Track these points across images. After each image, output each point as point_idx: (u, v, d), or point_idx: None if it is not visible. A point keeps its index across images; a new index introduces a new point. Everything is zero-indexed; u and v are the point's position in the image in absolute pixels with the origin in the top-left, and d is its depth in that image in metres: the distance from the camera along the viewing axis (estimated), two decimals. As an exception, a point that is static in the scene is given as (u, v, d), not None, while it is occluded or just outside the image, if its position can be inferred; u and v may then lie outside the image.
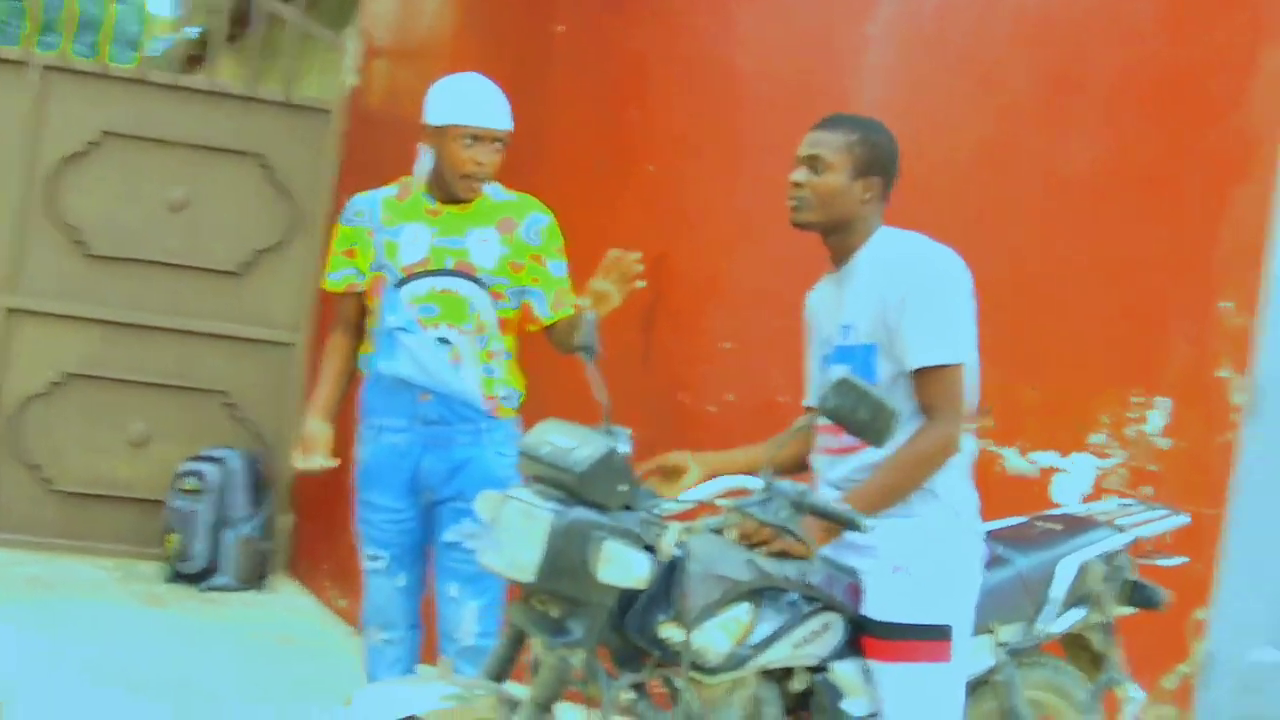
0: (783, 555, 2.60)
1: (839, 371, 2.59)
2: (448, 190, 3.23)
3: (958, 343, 2.67)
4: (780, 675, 2.73)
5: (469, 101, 3.19)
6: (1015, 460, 4.39)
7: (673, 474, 2.91)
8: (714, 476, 2.90)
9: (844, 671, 2.75)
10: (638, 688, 2.59)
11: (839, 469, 2.79)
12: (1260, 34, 4.62)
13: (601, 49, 4.48)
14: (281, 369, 5.88)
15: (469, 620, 3.27)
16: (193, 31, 10.21)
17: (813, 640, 2.70)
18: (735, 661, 2.58)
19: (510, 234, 3.25)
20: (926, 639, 2.71)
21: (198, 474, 5.53)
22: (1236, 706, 4.80)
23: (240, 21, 6.69)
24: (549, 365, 3.44)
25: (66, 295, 5.73)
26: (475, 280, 3.21)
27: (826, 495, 2.72)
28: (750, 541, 2.59)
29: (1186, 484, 4.65)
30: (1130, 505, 3.52)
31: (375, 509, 3.33)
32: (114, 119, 5.74)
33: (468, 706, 2.50)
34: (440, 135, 3.20)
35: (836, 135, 2.77)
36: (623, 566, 2.40)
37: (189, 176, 5.79)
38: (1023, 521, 3.30)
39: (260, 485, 5.67)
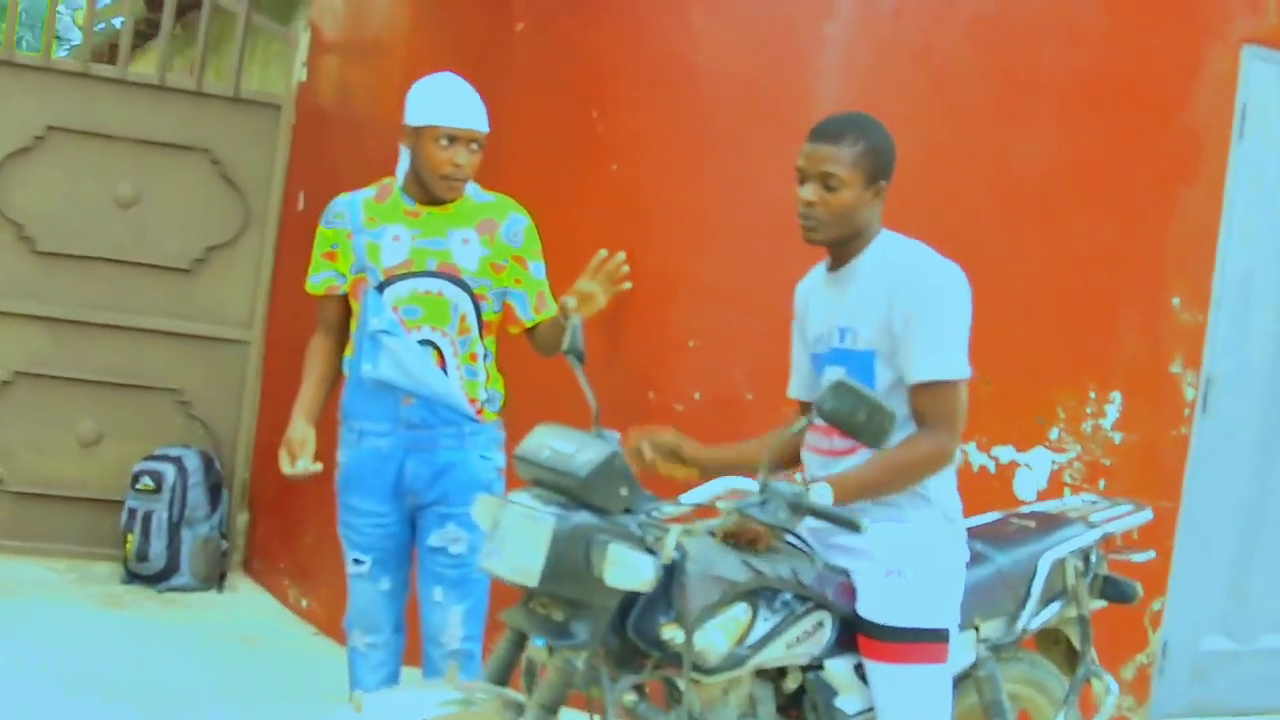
0: (753, 543, 2.62)
1: (835, 374, 2.62)
2: (427, 191, 3.23)
3: (960, 359, 2.69)
4: (774, 674, 2.77)
5: (445, 102, 3.18)
6: (975, 455, 4.46)
7: (669, 454, 2.94)
8: (709, 468, 2.91)
9: (837, 669, 2.80)
10: (638, 689, 2.61)
11: (830, 471, 2.81)
12: (1206, 35, 4.73)
13: (561, 47, 4.48)
14: (235, 367, 5.82)
15: (454, 624, 3.27)
16: (115, 21, 10.04)
17: (806, 639, 2.74)
18: (733, 661, 2.62)
19: (491, 235, 3.25)
20: (923, 641, 2.76)
21: (154, 474, 5.47)
22: (1190, 694, 4.93)
23: (157, 11, 6.58)
24: (527, 367, 3.45)
25: (13, 293, 5.63)
26: (459, 282, 3.21)
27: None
28: (737, 540, 2.62)
29: (1140, 478, 4.75)
30: (1098, 501, 3.59)
31: (357, 513, 3.32)
32: (59, 114, 5.65)
33: (472, 711, 2.51)
34: (418, 136, 3.20)
35: (845, 148, 2.72)
36: (628, 569, 2.42)
37: (137, 172, 5.72)
38: (998, 518, 3.37)
39: (217, 484, 5.62)
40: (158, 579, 5.45)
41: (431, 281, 3.21)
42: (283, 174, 5.79)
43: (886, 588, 2.75)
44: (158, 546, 5.43)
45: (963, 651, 2.97)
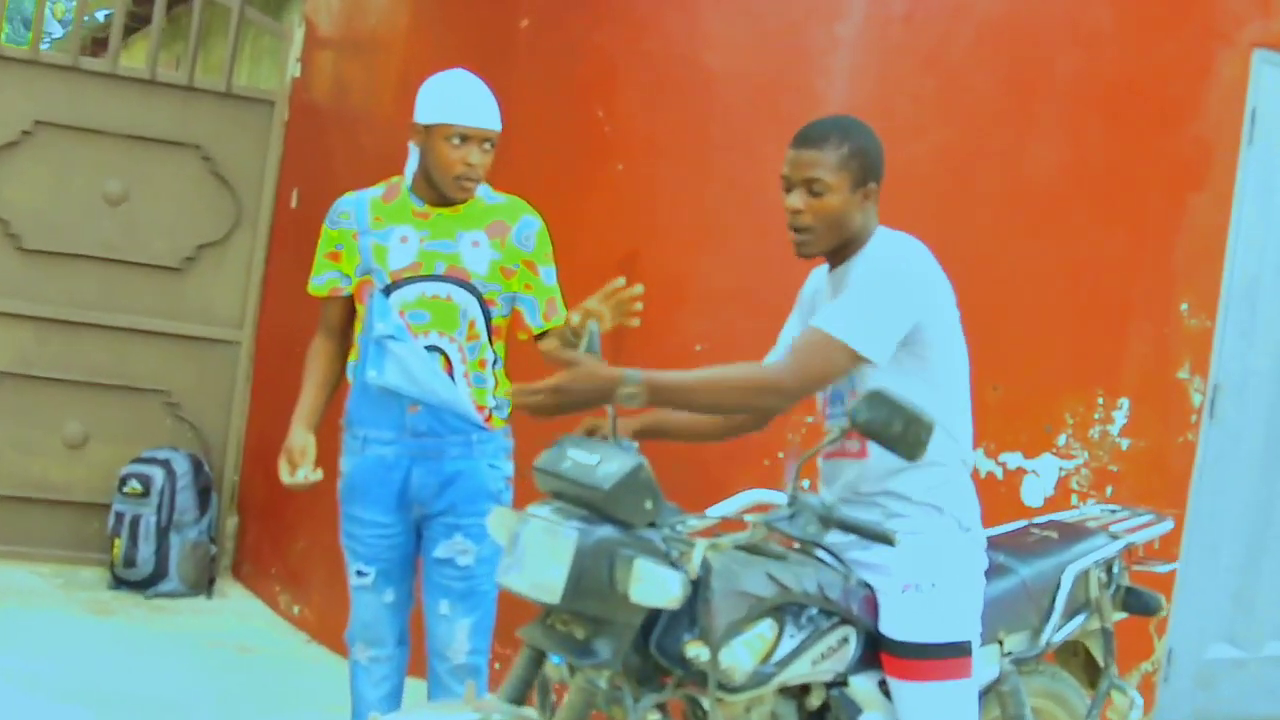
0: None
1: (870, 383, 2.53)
2: (437, 191, 3.13)
3: (855, 326, 2.52)
4: (797, 691, 2.69)
5: (458, 100, 3.09)
6: (983, 461, 4.40)
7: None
8: (648, 431, 2.85)
9: (861, 686, 2.73)
10: (660, 708, 2.53)
11: (841, 476, 2.75)
12: (1216, 40, 4.68)
13: (567, 45, 4.39)
14: (225, 367, 5.72)
15: (461, 638, 3.19)
16: (98, 15, 9.91)
17: (831, 655, 2.66)
18: (759, 679, 2.54)
19: (502, 238, 3.16)
20: (946, 657, 2.69)
21: (142, 477, 5.36)
22: (1195, 702, 4.88)
23: (142, 4, 6.46)
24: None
25: (-1, 291, 5.53)
26: (468, 286, 3.12)
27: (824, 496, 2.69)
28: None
29: (1148, 485, 4.70)
30: (1117, 511, 3.53)
31: (361, 523, 3.23)
32: (47, 108, 5.53)
33: (490, 731, 2.43)
34: (428, 134, 3.10)
35: (829, 151, 2.65)
36: (655, 585, 2.34)
37: (126, 168, 5.61)
38: (1018, 528, 3.30)
39: (206, 487, 5.51)
40: (146, 584, 5.35)
41: (440, 285, 3.11)
42: (275, 171, 5.68)
43: (904, 603, 2.68)
44: (146, 551, 5.33)
45: (987, 666, 2.91)
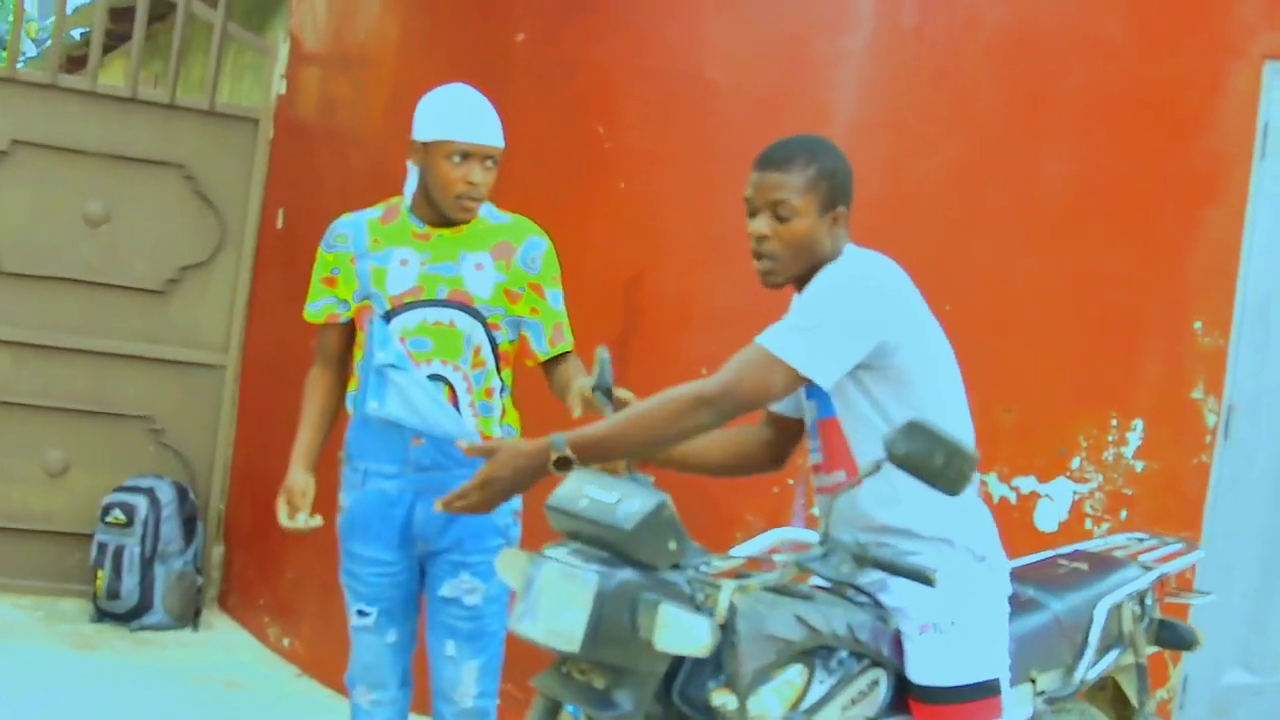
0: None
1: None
2: (438, 212, 2.99)
3: (791, 341, 2.39)
4: (826, 738, 2.55)
5: (459, 116, 2.95)
6: (996, 486, 4.28)
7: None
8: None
9: (892, 732, 2.59)
10: (684, 759, 2.39)
11: (834, 509, 2.58)
12: (1227, 52, 4.57)
13: (566, 59, 4.26)
14: (210, 392, 5.56)
15: (468, 680, 3.03)
16: (73, 34, 9.73)
17: (861, 700, 2.53)
18: (787, 728, 2.40)
19: (507, 260, 3.02)
20: (975, 699, 2.56)
21: (125, 506, 5.20)
22: (1211, 730, 4.77)
23: (119, 22, 6.30)
24: (545, 399, 3.21)
25: (-25, 315, 5.36)
26: (471, 311, 2.97)
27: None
28: None
29: (1162, 507, 4.59)
30: (1144, 539, 3.42)
31: (362, 561, 3.07)
32: (25, 127, 5.38)
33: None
34: (428, 152, 2.95)
35: (795, 174, 2.50)
36: (682, 632, 2.20)
37: (107, 188, 5.45)
38: (1045, 559, 3.18)
39: (191, 516, 5.35)
40: (130, 617, 5.18)
41: (442, 311, 2.97)
42: (260, 191, 5.53)
43: (925, 645, 2.55)
44: (130, 583, 5.16)
45: (1019, 706, 2.78)
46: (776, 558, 2.38)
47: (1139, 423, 4.54)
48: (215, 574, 5.59)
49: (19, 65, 5.82)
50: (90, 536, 5.28)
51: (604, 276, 4.12)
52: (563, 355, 3.09)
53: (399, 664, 3.13)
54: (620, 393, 2.73)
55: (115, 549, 5.17)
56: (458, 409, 2.97)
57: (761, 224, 2.54)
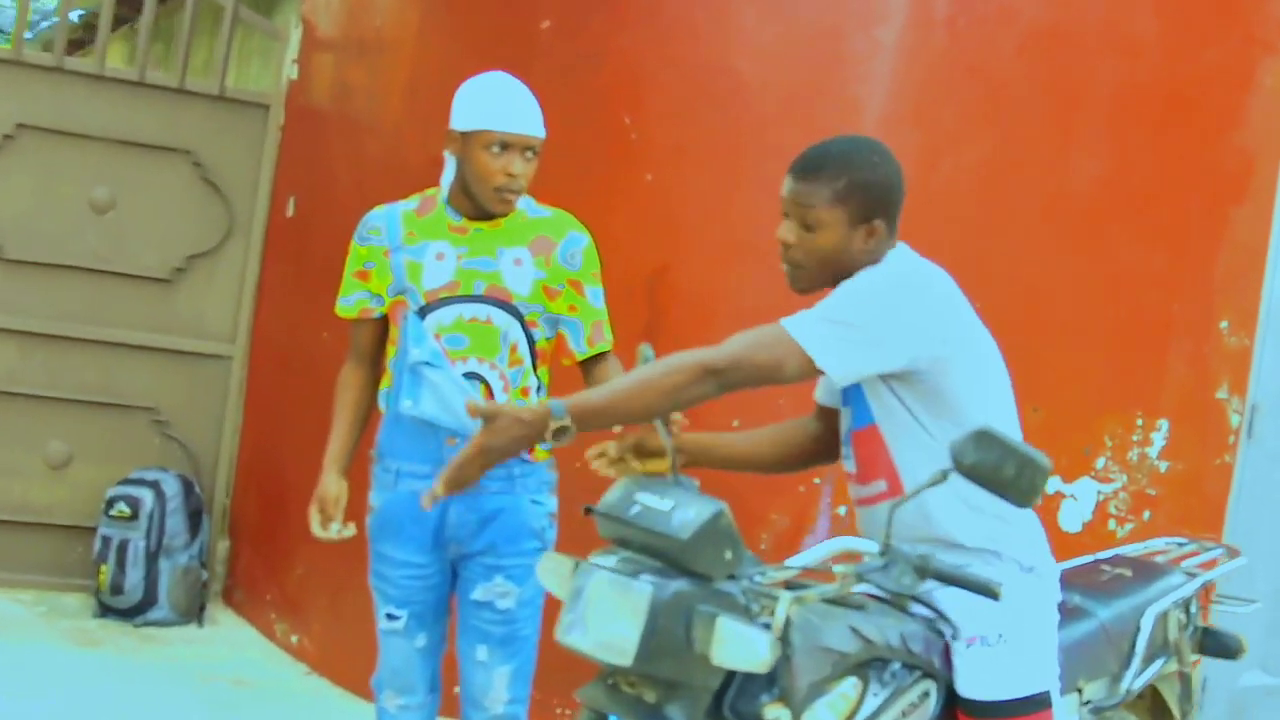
0: None
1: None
2: (475, 204, 2.90)
3: (809, 323, 2.30)
4: (876, 751, 2.48)
5: (499, 105, 2.86)
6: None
7: (648, 455, 2.61)
8: (697, 458, 2.65)
9: (942, 745, 2.53)
10: (735, 775, 2.31)
11: (876, 519, 2.50)
12: (1259, 49, 4.52)
13: (592, 48, 4.18)
14: (217, 383, 5.46)
15: (499, 686, 2.95)
16: (74, 15, 9.60)
17: (912, 713, 2.46)
18: (841, 743, 2.33)
19: (547, 256, 2.94)
20: (1026, 713, 2.50)
21: (130, 499, 5.10)
22: (1231, 731, 4.73)
23: (130, 3, 6.19)
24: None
25: (-21, 304, 5.26)
26: (509, 308, 2.89)
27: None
28: None
29: (1185, 508, 4.54)
30: (1185, 544, 3.37)
31: (393, 563, 2.99)
32: (30, 111, 5.27)
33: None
34: (466, 142, 2.86)
35: (822, 185, 2.40)
36: (741, 647, 2.12)
37: (113, 175, 5.35)
38: (1087, 563, 3.12)
39: (197, 510, 5.26)
40: (134, 613, 5.09)
41: (479, 307, 2.88)
42: (270, 178, 5.44)
43: (973, 659, 2.48)
44: (134, 577, 5.07)
45: (1066, 717, 2.71)
46: (836, 568, 2.31)
47: (1164, 423, 4.49)
48: (220, 569, 5.50)
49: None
50: (94, 530, 5.18)
51: (628, 271, 4.03)
52: (601, 355, 3.01)
53: (428, 668, 3.05)
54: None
55: (119, 543, 5.08)
56: (493, 408, 2.89)
57: (788, 231, 2.45)
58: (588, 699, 2.31)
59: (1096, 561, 3.14)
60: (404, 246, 2.93)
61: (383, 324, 3.02)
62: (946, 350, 2.38)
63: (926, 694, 2.49)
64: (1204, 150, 4.47)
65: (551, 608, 2.66)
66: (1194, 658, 3.10)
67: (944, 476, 2.23)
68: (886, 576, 2.25)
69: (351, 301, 3.01)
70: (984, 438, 2.17)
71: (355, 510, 3.01)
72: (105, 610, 5.11)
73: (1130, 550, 3.27)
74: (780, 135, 4.04)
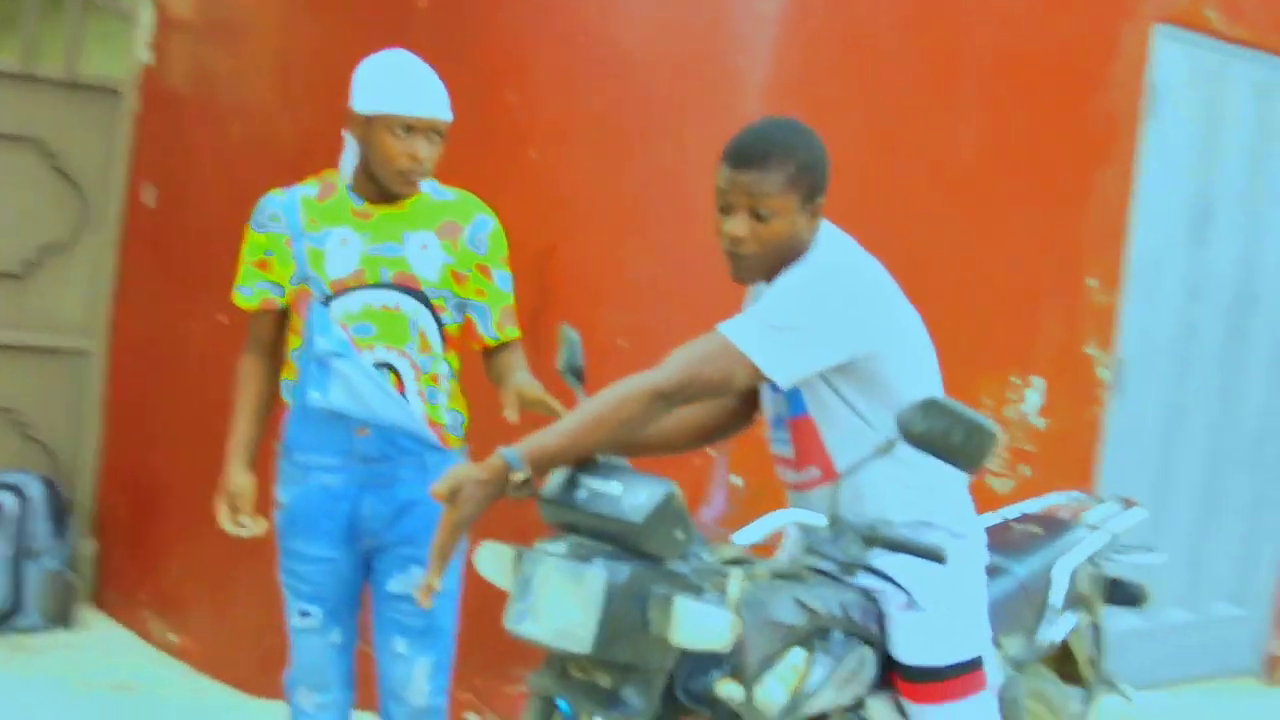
0: None
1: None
2: (379, 187, 2.82)
3: (770, 345, 2.30)
4: (815, 718, 2.50)
5: (404, 86, 2.78)
6: (909, 449, 4.29)
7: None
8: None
9: (878, 708, 2.57)
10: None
11: (811, 504, 2.53)
12: (1119, 14, 4.66)
13: (472, 26, 4.09)
14: (76, 380, 5.22)
15: (420, 679, 2.90)
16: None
17: (852, 679, 2.49)
18: (789, 713, 2.34)
19: (454, 240, 2.87)
20: (960, 675, 2.55)
21: (-9, 504, 4.87)
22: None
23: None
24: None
25: None
26: (417, 294, 2.82)
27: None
28: None
29: (1058, 463, 4.70)
30: (1083, 499, 3.47)
31: (304, 559, 2.90)
32: None
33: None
34: (369, 125, 2.78)
35: (774, 172, 2.36)
36: (701, 627, 2.11)
37: (-45, 165, 5.07)
38: (997, 524, 3.19)
39: (62, 511, 5.04)
40: (0, 620, 4.86)
41: (387, 294, 2.81)
42: (124, 166, 5.20)
43: (908, 625, 2.52)
44: None
45: (995, 673, 2.77)
46: (785, 541, 2.32)
47: (1039, 380, 4.63)
48: (88, 571, 5.28)
49: None
50: (-49, 537, 4.93)
51: (515, 251, 3.94)
52: (508, 342, 2.96)
53: (343, 664, 2.98)
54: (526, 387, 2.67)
55: (-18, 550, 4.84)
56: (405, 397, 2.83)
57: (739, 225, 2.39)
58: (537, 686, 2.28)
59: (1006, 521, 3.20)
60: (305, 233, 2.84)
61: (283, 314, 2.92)
62: (882, 339, 2.40)
63: (864, 660, 2.52)
64: (1071, 115, 4.60)
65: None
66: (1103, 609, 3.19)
67: (890, 447, 2.25)
68: (836, 547, 2.26)
69: (251, 291, 2.90)
70: (932, 406, 2.20)
71: (261, 507, 2.93)
72: (-33, 620, 4.87)
73: (1032, 507, 3.35)
74: (666, 109, 4.02)
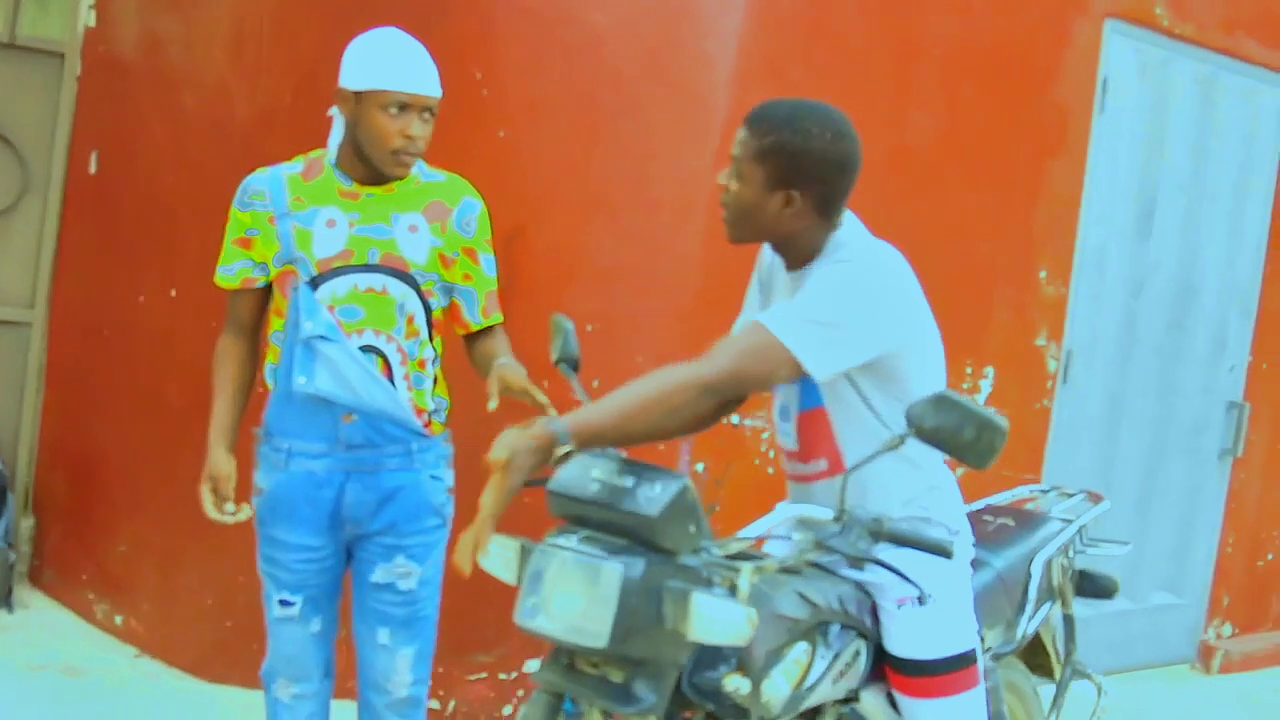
0: None
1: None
2: (368, 168, 2.77)
3: (794, 326, 2.32)
4: (810, 712, 2.52)
5: (398, 63, 2.72)
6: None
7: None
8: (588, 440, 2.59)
9: (871, 702, 2.60)
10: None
11: (814, 498, 2.55)
12: (1073, 10, 4.72)
13: (438, 1, 4.03)
14: (15, 353, 5.07)
15: (403, 669, 2.88)
16: None
17: (848, 672, 2.52)
18: (791, 706, 2.36)
19: (442, 223, 2.83)
20: (953, 670, 2.59)
21: (-72, 481, 4.73)
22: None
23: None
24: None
25: None
26: (405, 277, 2.78)
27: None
28: None
29: (1009, 452, 4.64)
30: (1048, 491, 3.52)
31: (285, 547, 2.85)
32: None
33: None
34: (360, 102, 2.72)
35: (752, 139, 2.41)
36: (718, 622, 2.11)
37: (-112, 129, 4.90)
38: (970, 515, 3.21)
39: (0, 488, 4.91)
40: (-64, 602, 4.73)
41: (374, 277, 2.76)
42: (67, 133, 5.05)
43: (903, 620, 2.55)
44: (-65, 564, 4.71)
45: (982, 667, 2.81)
46: (794, 535, 2.32)
47: (991, 370, 4.68)
48: (26, 549, 5.16)
49: None
50: (-117, 515, 4.79)
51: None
52: (492, 327, 2.94)
53: (322, 654, 2.94)
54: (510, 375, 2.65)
55: (-82, 528, 4.71)
56: (392, 382, 2.79)
57: (726, 176, 2.47)
58: (545, 681, 2.26)
59: (978, 513, 3.24)
60: (291, 213, 2.78)
61: (264, 294, 2.87)
62: (908, 338, 2.44)
63: (858, 653, 2.54)
64: (1025, 105, 4.66)
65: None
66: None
67: (901, 441, 2.26)
68: (843, 541, 2.27)
69: (233, 271, 2.84)
70: (943, 401, 2.21)
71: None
72: (-97, 601, 4.74)
73: (1000, 500, 3.39)
74: (635, 90, 4.00)
